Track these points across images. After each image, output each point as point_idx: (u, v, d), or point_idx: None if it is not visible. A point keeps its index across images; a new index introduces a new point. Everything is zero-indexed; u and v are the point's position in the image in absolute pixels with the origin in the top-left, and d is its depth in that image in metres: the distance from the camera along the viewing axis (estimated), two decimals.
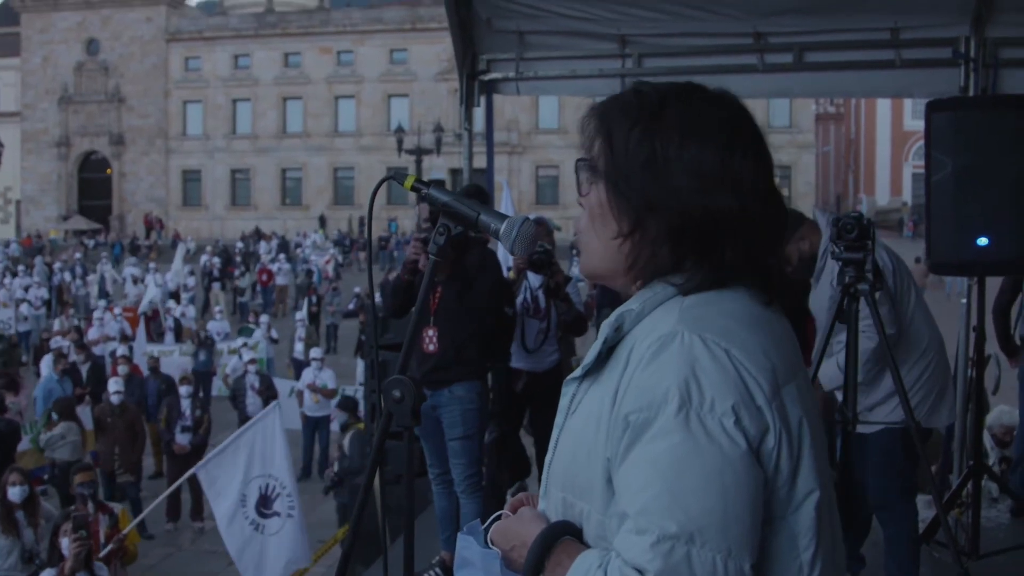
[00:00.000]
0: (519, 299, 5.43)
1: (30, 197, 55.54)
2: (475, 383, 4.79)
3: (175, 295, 26.42)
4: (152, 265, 31.94)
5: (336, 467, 10.01)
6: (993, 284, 5.60)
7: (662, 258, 1.40)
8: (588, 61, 6.56)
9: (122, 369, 13.30)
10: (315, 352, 14.86)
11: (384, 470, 5.98)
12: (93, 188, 54.93)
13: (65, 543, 5.94)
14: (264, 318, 21.17)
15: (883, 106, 56.43)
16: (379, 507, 5.93)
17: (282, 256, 34.96)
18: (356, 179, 51.96)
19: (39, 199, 55.23)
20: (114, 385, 11.95)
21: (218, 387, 16.96)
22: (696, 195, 1.37)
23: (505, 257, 5.52)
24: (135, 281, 28.64)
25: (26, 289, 26.73)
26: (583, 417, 1.42)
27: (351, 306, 25.71)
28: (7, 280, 28.91)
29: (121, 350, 15.77)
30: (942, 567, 4.68)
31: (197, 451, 11.46)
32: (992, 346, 5.81)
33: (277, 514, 7.58)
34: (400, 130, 37.42)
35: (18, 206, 56.98)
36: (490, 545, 1.53)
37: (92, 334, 18.71)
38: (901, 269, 4.28)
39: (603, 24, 6.24)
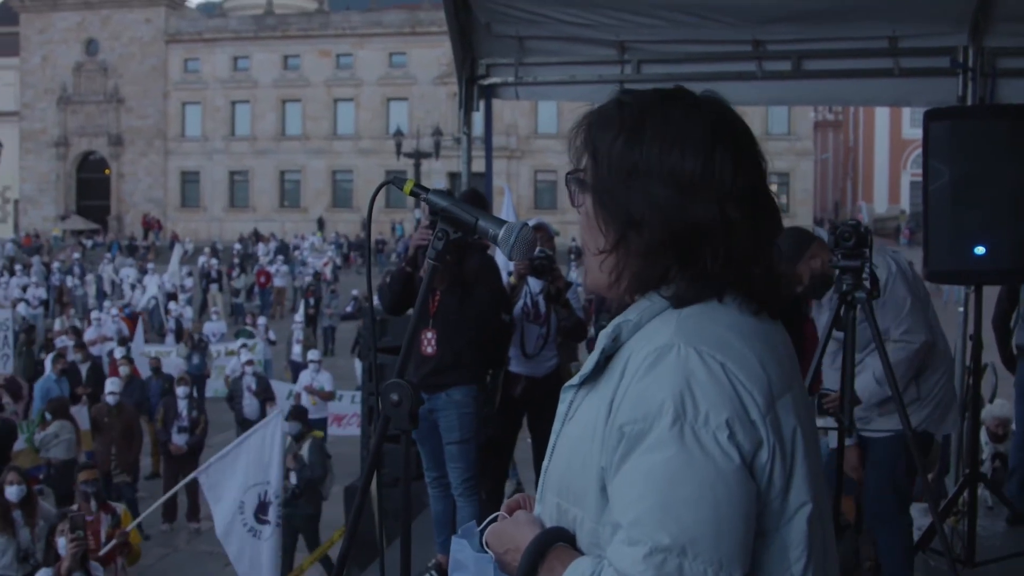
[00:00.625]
0: (519, 304, 5.43)
1: (28, 197, 55.50)
2: (472, 387, 4.79)
3: (172, 296, 26.40)
4: (150, 266, 31.95)
5: (295, 478, 9.22)
6: (990, 293, 5.60)
7: (646, 272, 1.40)
8: (587, 67, 6.56)
9: (123, 370, 13.28)
10: (313, 354, 14.84)
11: (381, 473, 5.98)
12: (91, 188, 54.88)
13: (62, 543, 5.94)
14: (262, 320, 21.16)
15: (882, 114, 56.46)
16: (376, 510, 5.93)
17: (280, 258, 34.94)
18: (355, 182, 51.93)
19: (37, 199, 55.19)
20: (111, 385, 11.92)
21: (214, 389, 16.94)
22: (676, 208, 1.37)
23: (505, 263, 5.52)
24: (132, 287, 28.62)
25: (24, 289, 26.70)
26: (580, 425, 1.43)
27: (349, 308, 25.73)
28: (4, 279, 28.87)
29: (119, 351, 15.73)
30: (938, 575, 4.69)
31: (193, 452, 11.46)
32: (988, 355, 5.81)
33: (268, 522, 7.66)
34: (399, 133, 37.48)
35: (16, 205, 57.00)
36: (485, 546, 1.53)
37: (90, 334, 18.67)
38: (917, 277, 4.30)
39: (602, 30, 6.25)
